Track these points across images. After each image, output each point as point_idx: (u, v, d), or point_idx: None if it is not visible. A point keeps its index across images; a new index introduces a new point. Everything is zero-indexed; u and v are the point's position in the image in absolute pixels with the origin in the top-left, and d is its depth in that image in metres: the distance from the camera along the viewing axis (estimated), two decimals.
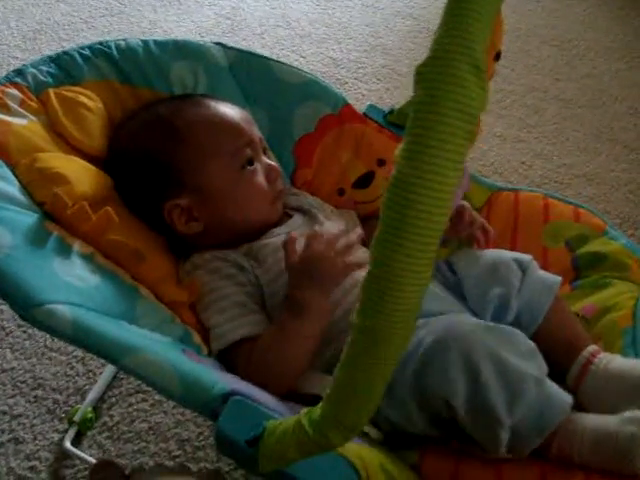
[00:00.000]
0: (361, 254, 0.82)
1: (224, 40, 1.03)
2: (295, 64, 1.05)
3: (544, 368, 0.70)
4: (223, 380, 0.63)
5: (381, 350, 0.44)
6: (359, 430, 0.50)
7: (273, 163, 0.90)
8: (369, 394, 0.47)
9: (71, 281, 0.66)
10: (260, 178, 0.87)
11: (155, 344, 0.65)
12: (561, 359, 0.77)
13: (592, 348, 0.78)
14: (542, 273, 0.85)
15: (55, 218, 0.73)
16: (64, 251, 0.69)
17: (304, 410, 0.53)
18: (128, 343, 0.61)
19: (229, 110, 0.89)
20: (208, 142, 0.85)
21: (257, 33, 2.02)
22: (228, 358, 0.77)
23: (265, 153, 0.91)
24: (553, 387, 0.69)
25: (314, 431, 0.51)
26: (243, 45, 1.82)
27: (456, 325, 0.69)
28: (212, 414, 0.61)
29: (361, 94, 1.79)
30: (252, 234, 0.87)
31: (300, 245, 0.77)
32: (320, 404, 0.51)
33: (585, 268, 0.93)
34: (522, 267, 0.83)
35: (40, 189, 0.73)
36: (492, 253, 0.87)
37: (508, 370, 0.66)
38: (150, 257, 0.77)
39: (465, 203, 0.89)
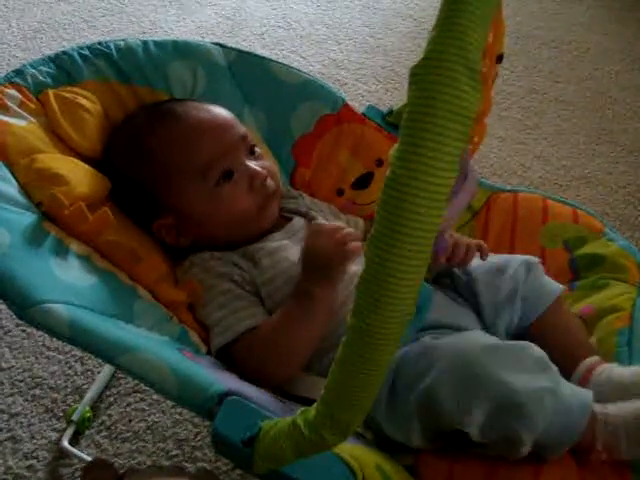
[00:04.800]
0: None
1: (224, 40, 1.04)
2: (295, 65, 1.06)
3: (555, 374, 0.69)
4: (220, 380, 0.63)
5: (375, 350, 0.44)
6: (354, 430, 0.51)
7: (258, 168, 0.86)
8: (364, 394, 0.47)
9: (68, 281, 0.66)
10: (240, 191, 0.84)
11: (152, 343, 0.65)
12: (560, 365, 0.77)
13: (591, 360, 0.78)
14: (546, 278, 0.85)
15: (53, 218, 0.73)
16: (61, 251, 0.69)
17: (299, 410, 0.53)
18: (125, 342, 0.62)
19: (205, 120, 0.86)
20: (176, 163, 0.82)
21: (257, 33, 2.02)
22: (231, 352, 0.77)
23: (253, 153, 0.88)
24: (569, 390, 0.68)
25: (309, 431, 0.51)
26: (243, 45, 1.83)
27: (466, 351, 0.68)
28: (208, 414, 0.61)
29: (361, 95, 1.80)
30: (248, 239, 0.86)
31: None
32: (315, 404, 0.51)
33: (583, 269, 0.93)
34: (528, 267, 0.84)
35: (38, 189, 0.73)
36: (503, 256, 0.88)
37: (519, 393, 0.65)
38: (147, 258, 0.77)
39: (453, 235, 0.86)
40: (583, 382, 0.76)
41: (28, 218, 0.70)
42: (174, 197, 0.83)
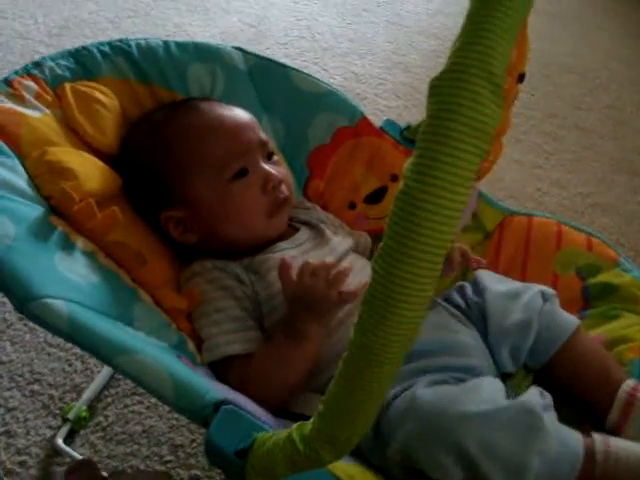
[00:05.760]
0: (358, 283, 0.76)
1: (248, 48, 1.02)
2: (316, 76, 1.05)
3: (547, 430, 0.65)
4: (216, 389, 0.62)
5: (376, 368, 0.43)
6: (351, 448, 0.49)
7: (274, 171, 0.85)
8: (362, 412, 0.46)
9: (71, 277, 0.65)
10: (253, 190, 0.83)
11: (151, 347, 0.64)
12: (595, 392, 0.76)
13: (632, 382, 0.75)
14: (562, 311, 0.83)
15: (61, 213, 0.72)
16: (67, 247, 0.68)
17: (296, 424, 0.52)
18: (123, 343, 0.60)
19: (227, 116, 0.86)
20: (194, 154, 0.82)
21: (281, 43, 2.02)
22: (218, 371, 0.75)
23: (270, 159, 0.87)
24: (557, 446, 0.65)
25: (304, 446, 0.49)
26: (266, 54, 1.83)
27: (452, 418, 0.65)
28: (203, 422, 0.60)
29: (380, 110, 1.79)
30: (254, 247, 0.84)
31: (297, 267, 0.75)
32: (312, 419, 0.49)
33: (595, 298, 0.91)
34: (545, 297, 0.82)
35: (48, 183, 0.72)
36: (519, 282, 0.86)
37: (505, 461, 0.63)
38: (152, 261, 0.75)
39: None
40: (628, 409, 0.73)
41: (35, 211, 0.69)
42: (186, 188, 0.82)
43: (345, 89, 1.82)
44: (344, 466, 0.62)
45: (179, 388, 0.60)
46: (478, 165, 0.38)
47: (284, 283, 0.75)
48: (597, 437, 0.68)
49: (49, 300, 0.60)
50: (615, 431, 0.74)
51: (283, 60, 1.06)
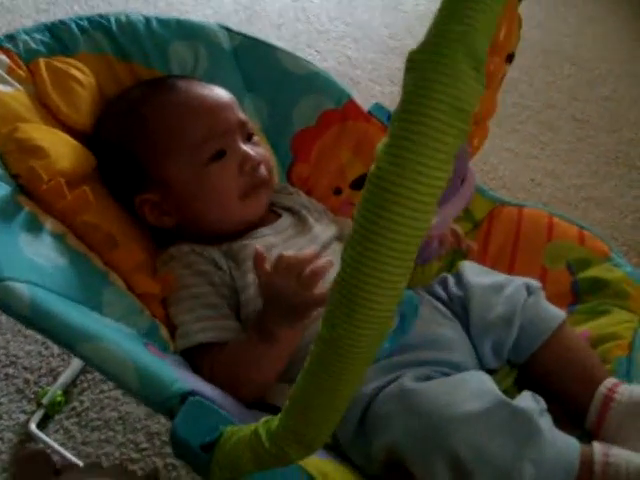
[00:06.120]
0: None
1: (241, 30, 0.99)
2: (310, 59, 1.01)
3: (541, 435, 0.63)
4: (184, 379, 0.59)
5: (344, 364, 0.40)
6: (318, 446, 0.46)
7: (252, 152, 0.82)
8: (330, 410, 0.43)
9: (35, 260, 0.62)
10: (230, 172, 0.80)
11: (115, 334, 0.61)
12: (575, 389, 0.74)
13: (610, 382, 0.73)
14: (547, 304, 0.81)
15: (30, 193, 0.69)
16: (33, 228, 0.65)
17: (263, 419, 0.49)
18: (86, 330, 0.57)
19: (205, 96, 0.82)
20: (170, 135, 0.79)
21: (275, 25, 1.99)
22: (192, 358, 0.72)
23: (250, 139, 0.84)
24: (553, 453, 0.63)
25: (270, 443, 0.47)
26: (260, 36, 1.79)
27: (442, 417, 0.63)
28: (169, 413, 0.57)
29: (374, 95, 1.75)
30: (233, 232, 0.81)
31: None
32: (279, 415, 0.47)
33: (585, 293, 0.89)
34: (529, 290, 0.80)
35: (16, 161, 0.69)
36: (503, 275, 0.83)
37: (496, 464, 0.61)
38: (124, 244, 0.72)
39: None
40: (604, 408, 0.71)
41: (1, 190, 0.66)
42: (162, 171, 0.79)
43: (338, 74, 1.78)
44: (317, 461, 0.59)
45: (143, 377, 0.57)
46: (456, 147, 0.35)
47: (258, 277, 0.70)
48: (597, 446, 0.65)
49: (10, 283, 0.57)
50: (593, 430, 0.72)
51: (276, 43, 1.02)
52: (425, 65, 0.35)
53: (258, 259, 0.69)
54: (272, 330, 0.68)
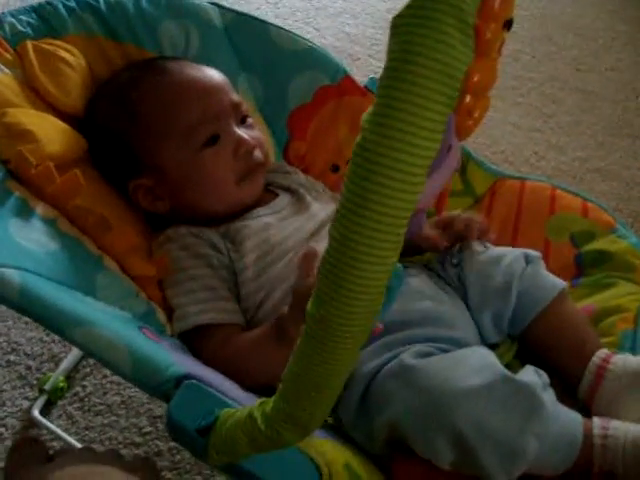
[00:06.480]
0: None
1: (237, 8, 0.96)
2: (308, 37, 0.99)
3: (546, 408, 0.62)
4: (179, 362, 0.58)
5: (336, 344, 0.39)
6: (315, 428, 0.46)
7: (247, 136, 0.80)
8: (323, 391, 0.42)
9: (26, 245, 0.61)
10: (224, 157, 0.78)
11: (109, 318, 0.60)
12: (569, 363, 0.73)
13: (603, 352, 0.72)
14: (546, 273, 0.79)
15: (20, 178, 0.68)
16: (24, 213, 0.64)
17: (258, 401, 0.48)
18: (78, 315, 0.57)
19: (197, 78, 0.80)
20: (162, 119, 0.77)
21: (271, 2, 1.96)
22: (190, 341, 0.71)
23: (244, 122, 0.83)
24: (558, 426, 0.63)
25: (266, 426, 0.46)
26: (256, 14, 1.76)
27: (445, 393, 0.61)
28: (164, 397, 0.56)
29: (373, 71, 1.73)
30: (230, 214, 0.80)
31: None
32: (273, 397, 0.46)
33: (589, 266, 0.87)
34: (527, 260, 0.78)
35: (6, 146, 0.68)
36: (501, 248, 0.82)
37: (499, 439, 0.60)
38: (118, 227, 0.71)
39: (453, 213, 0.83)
40: (597, 379, 0.70)
41: None
42: (154, 156, 0.77)
43: (337, 50, 1.76)
44: (316, 441, 0.58)
45: (137, 362, 0.56)
46: (445, 114, 0.34)
47: (300, 275, 0.64)
48: (596, 420, 0.65)
49: (0, 269, 0.56)
50: (586, 401, 0.71)
51: (273, 20, 1.00)
52: (410, 29, 0.33)
53: (308, 259, 0.64)
54: (290, 332, 0.64)
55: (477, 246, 0.80)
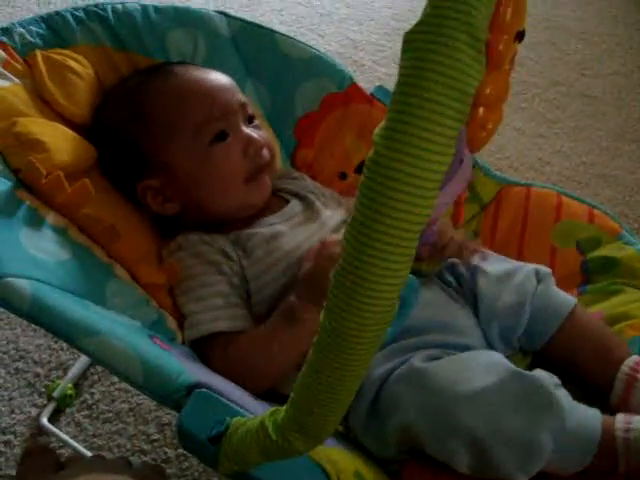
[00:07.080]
0: None
1: (242, 15, 0.97)
2: (312, 43, 1.00)
3: (562, 406, 0.63)
4: (190, 371, 0.58)
5: (348, 355, 0.39)
6: (325, 437, 0.46)
7: (255, 135, 0.81)
8: (335, 402, 0.42)
9: (37, 254, 0.61)
10: (234, 155, 0.78)
11: (119, 327, 0.60)
12: (597, 371, 0.73)
13: (632, 360, 0.72)
14: (557, 290, 0.80)
15: (30, 187, 0.68)
16: (35, 222, 0.65)
17: (269, 410, 0.49)
18: (89, 324, 0.57)
19: (203, 78, 0.81)
20: (170, 118, 0.78)
21: (276, 9, 1.97)
22: (201, 349, 0.72)
23: (250, 122, 0.83)
24: (574, 423, 0.63)
25: (277, 435, 0.46)
26: (261, 21, 1.77)
27: (456, 394, 0.62)
28: (175, 406, 0.57)
29: (378, 78, 1.73)
30: (239, 218, 0.80)
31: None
32: (285, 406, 0.46)
33: (595, 273, 0.87)
34: (539, 277, 0.79)
35: (16, 156, 0.69)
36: (512, 262, 0.82)
37: (514, 436, 0.61)
38: (127, 235, 0.72)
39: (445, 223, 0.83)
40: (628, 387, 0.70)
41: (2, 185, 0.65)
42: (163, 155, 0.78)
43: (342, 57, 1.77)
44: (326, 449, 0.59)
45: (148, 371, 0.56)
46: (457, 130, 0.34)
47: (306, 259, 0.72)
48: (619, 416, 0.65)
49: (11, 279, 0.57)
50: (619, 409, 0.70)
51: (278, 27, 1.01)
52: (422, 45, 0.33)
53: (310, 251, 0.71)
54: (298, 313, 0.68)
55: (484, 263, 0.80)
